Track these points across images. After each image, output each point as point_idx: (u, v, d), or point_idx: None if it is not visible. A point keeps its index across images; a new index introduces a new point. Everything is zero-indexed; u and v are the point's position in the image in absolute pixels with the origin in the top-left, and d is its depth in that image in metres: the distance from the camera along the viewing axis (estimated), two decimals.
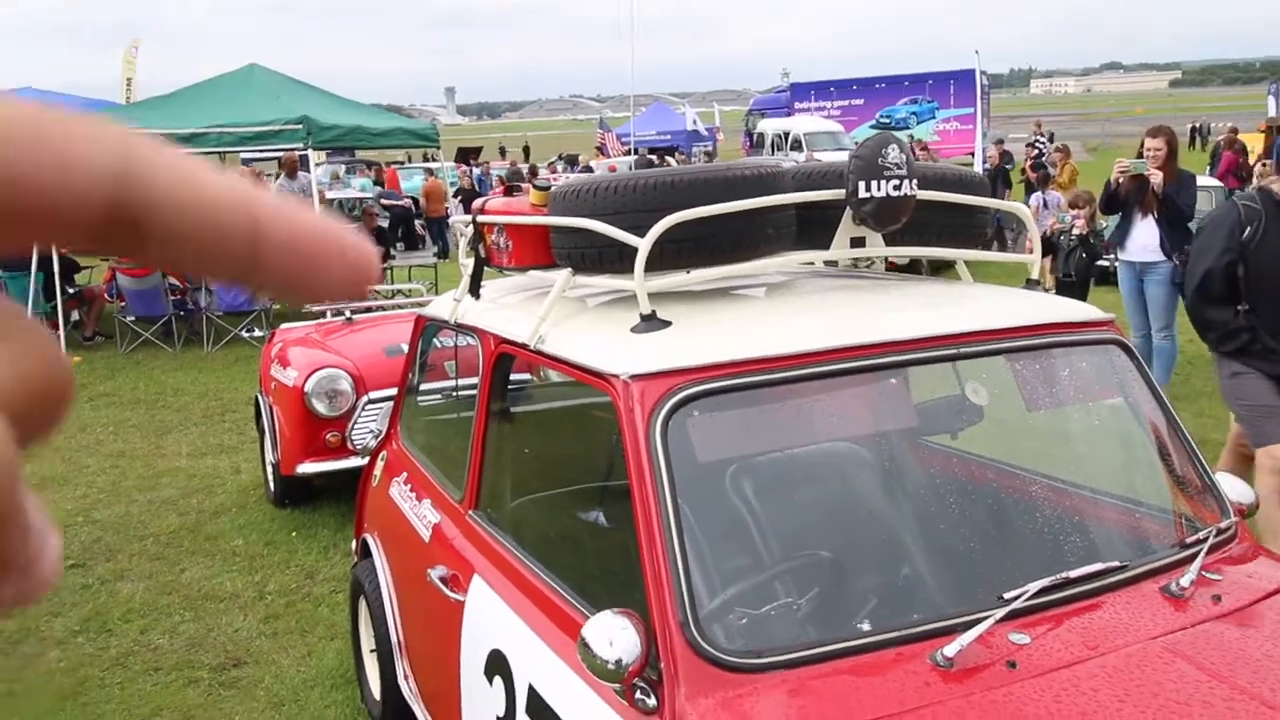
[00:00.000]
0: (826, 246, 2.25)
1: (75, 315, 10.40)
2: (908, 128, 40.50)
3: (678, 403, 1.78)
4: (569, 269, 2.22)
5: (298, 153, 10.40)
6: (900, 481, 2.16)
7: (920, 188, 2.22)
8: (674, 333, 1.94)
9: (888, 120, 41.46)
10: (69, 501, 5.68)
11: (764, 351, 1.85)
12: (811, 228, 2.31)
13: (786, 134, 34.03)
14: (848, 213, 2.18)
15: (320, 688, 3.57)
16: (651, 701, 1.61)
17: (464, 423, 2.71)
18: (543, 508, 2.46)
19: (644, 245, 1.95)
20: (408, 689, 2.93)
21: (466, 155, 34.16)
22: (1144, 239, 6.68)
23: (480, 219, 2.55)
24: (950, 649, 1.59)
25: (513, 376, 2.65)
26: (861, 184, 2.09)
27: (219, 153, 9.62)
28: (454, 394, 3.39)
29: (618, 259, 2.09)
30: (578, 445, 3.12)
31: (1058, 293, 7.88)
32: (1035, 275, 2.46)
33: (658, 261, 2.04)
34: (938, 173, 2.37)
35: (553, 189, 2.30)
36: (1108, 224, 12.50)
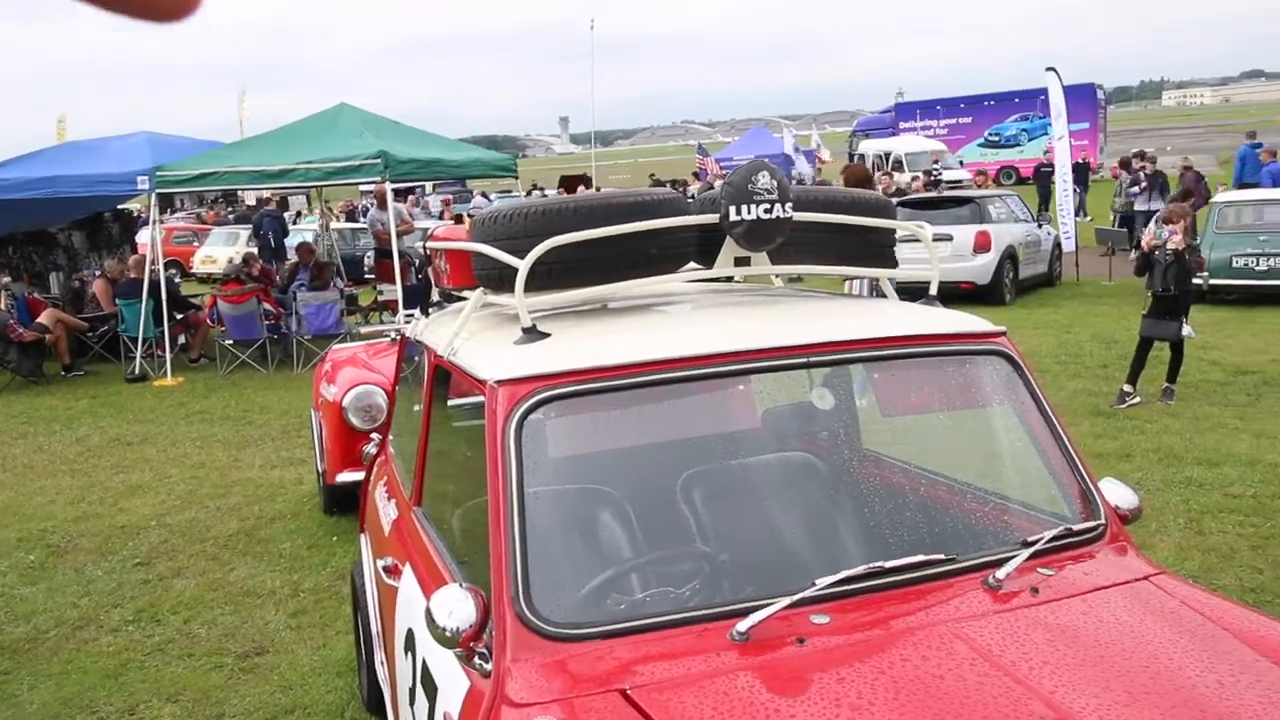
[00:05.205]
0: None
1: (182, 339, 11.28)
2: (1019, 145, 39.66)
3: (533, 405, 2.00)
4: (481, 288, 2.48)
5: (389, 186, 11.07)
6: (741, 476, 2.32)
7: (804, 210, 2.40)
8: (548, 344, 2.16)
9: (997, 137, 40.67)
10: (148, 507, 6.25)
11: (617, 359, 2.06)
12: (716, 249, 2.50)
13: (887, 154, 33.75)
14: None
15: (327, 675, 3.90)
16: (488, 666, 1.84)
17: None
18: (465, 506, 2.70)
19: (523, 267, 2.19)
20: (382, 674, 3.21)
21: (571, 182, 34.79)
22: None
23: (429, 245, 2.84)
24: (743, 625, 1.76)
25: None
26: (733, 208, 2.28)
27: (308, 187, 10.36)
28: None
29: (513, 279, 2.33)
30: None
31: (1153, 309, 7.72)
32: (934, 291, 2.59)
33: (545, 281, 2.27)
34: (827, 195, 2.53)
35: (474, 217, 2.57)
36: (1202, 239, 12.04)
